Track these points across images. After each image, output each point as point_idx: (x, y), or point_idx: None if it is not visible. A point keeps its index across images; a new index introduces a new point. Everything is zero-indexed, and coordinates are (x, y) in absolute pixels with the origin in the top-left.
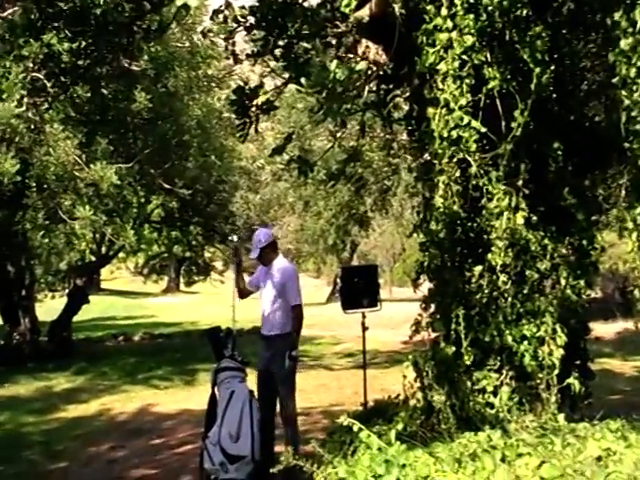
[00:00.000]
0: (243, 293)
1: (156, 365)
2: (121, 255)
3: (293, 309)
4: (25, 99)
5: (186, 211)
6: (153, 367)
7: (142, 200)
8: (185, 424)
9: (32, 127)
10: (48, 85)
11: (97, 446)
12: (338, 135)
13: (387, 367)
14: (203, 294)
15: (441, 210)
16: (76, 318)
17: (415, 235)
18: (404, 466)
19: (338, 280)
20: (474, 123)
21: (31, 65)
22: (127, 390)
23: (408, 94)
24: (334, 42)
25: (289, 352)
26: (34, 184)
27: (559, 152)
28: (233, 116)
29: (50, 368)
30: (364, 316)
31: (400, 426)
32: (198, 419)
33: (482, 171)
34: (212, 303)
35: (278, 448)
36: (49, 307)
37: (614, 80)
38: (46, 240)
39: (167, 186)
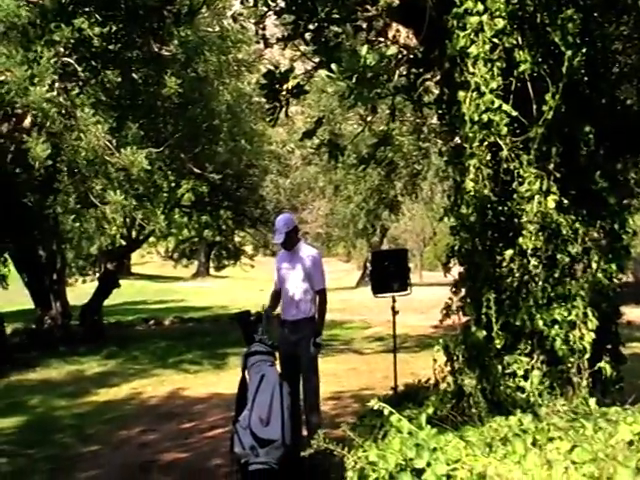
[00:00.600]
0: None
1: (186, 349)
2: (151, 239)
3: (318, 293)
4: (56, 84)
5: (216, 195)
6: (183, 351)
7: (172, 185)
8: (215, 408)
9: (63, 112)
10: (79, 70)
11: (128, 430)
12: (368, 119)
13: (417, 351)
14: (233, 278)
15: (472, 194)
16: (107, 302)
17: (445, 219)
18: (435, 450)
19: (368, 264)
20: (505, 106)
21: (62, 50)
22: (158, 374)
23: (438, 78)
24: (364, 26)
25: (314, 339)
26: (65, 169)
27: (590, 135)
28: (263, 100)
29: (81, 352)
30: (394, 300)
31: (431, 410)
32: (228, 403)
33: (513, 155)
34: (242, 287)
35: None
36: (80, 291)
37: None
38: (77, 224)
39: (197, 170)
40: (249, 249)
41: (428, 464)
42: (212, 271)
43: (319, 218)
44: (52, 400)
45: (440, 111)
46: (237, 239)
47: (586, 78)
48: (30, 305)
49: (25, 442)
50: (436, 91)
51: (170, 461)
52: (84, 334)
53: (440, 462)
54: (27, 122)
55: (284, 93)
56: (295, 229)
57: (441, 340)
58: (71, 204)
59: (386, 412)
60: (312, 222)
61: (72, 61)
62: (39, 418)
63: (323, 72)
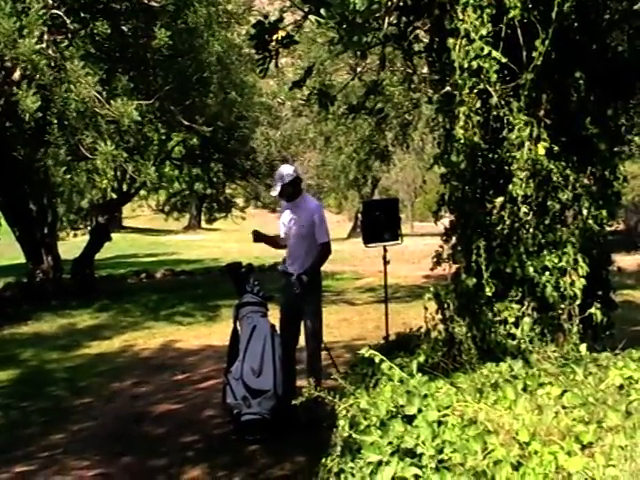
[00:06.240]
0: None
1: (178, 302)
2: (142, 193)
3: (321, 245)
4: (45, 36)
5: (207, 148)
6: (175, 304)
7: (163, 137)
8: (208, 359)
9: (52, 64)
10: (68, 22)
11: (120, 382)
12: (358, 70)
13: (409, 301)
14: (225, 231)
15: (462, 141)
16: (98, 256)
17: (436, 167)
18: (426, 396)
19: (359, 215)
20: (495, 53)
21: (51, 1)
22: (150, 326)
23: (429, 26)
24: None
25: (301, 274)
26: (55, 121)
27: (581, 82)
28: (253, 52)
29: (73, 305)
30: (385, 250)
31: (422, 358)
32: (220, 354)
33: (503, 102)
34: (234, 240)
35: (300, 383)
36: (71, 245)
37: (636, 7)
38: (68, 177)
39: (188, 123)
40: (240, 201)
41: (419, 410)
42: (203, 224)
43: (310, 170)
44: (44, 353)
45: (430, 59)
46: (228, 191)
47: (576, 24)
48: (22, 259)
49: (18, 395)
50: (426, 40)
51: (163, 412)
52: (76, 287)
53: (431, 408)
54: (16, 75)
55: (274, 43)
56: (295, 180)
57: (432, 288)
58: (62, 156)
59: (377, 360)
60: (303, 174)
61: (61, 13)
62: (32, 371)
63: (313, 18)
